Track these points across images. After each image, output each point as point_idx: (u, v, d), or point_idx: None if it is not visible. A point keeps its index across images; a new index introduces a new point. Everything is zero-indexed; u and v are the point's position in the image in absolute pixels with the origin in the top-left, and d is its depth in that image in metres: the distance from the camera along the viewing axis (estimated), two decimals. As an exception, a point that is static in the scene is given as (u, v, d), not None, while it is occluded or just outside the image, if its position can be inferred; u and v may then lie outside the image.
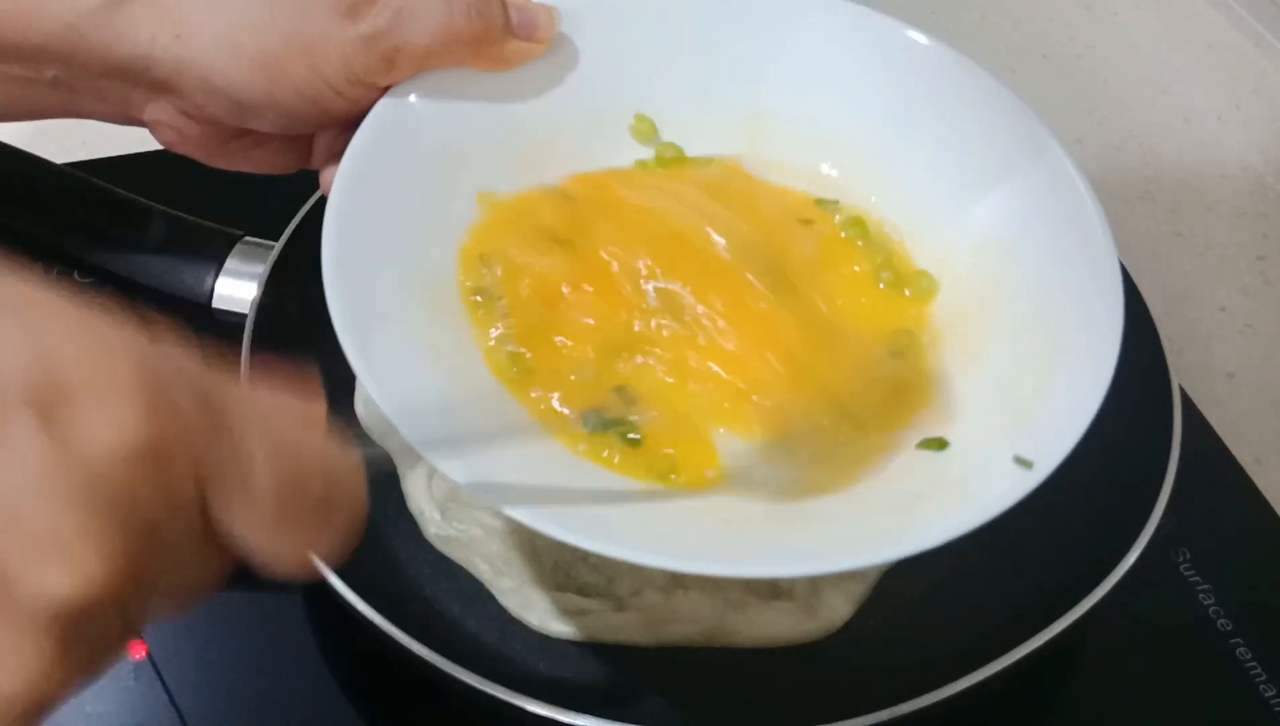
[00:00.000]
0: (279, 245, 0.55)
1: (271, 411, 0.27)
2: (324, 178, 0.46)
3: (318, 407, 0.29)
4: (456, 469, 0.37)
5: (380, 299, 0.42)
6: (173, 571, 0.25)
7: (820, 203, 0.50)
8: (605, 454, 0.42)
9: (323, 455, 0.28)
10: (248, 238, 0.56)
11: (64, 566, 0.23)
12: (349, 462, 0.28)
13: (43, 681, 0.23)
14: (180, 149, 0.47)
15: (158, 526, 0.24)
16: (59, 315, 0.25)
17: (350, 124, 0.45)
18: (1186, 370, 0.60)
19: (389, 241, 0.44)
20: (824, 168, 0.51)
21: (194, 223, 0.57)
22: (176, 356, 0.26)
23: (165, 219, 0.57)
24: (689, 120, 0.51)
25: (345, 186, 0.44)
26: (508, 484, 0.38)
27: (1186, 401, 0.57)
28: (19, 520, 0.23)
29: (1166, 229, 0.73)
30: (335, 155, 0.45)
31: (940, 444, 0.43)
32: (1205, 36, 0.83)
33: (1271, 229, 0.73)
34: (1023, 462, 0.39)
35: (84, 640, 0.23)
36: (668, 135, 0.51)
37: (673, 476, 0.42)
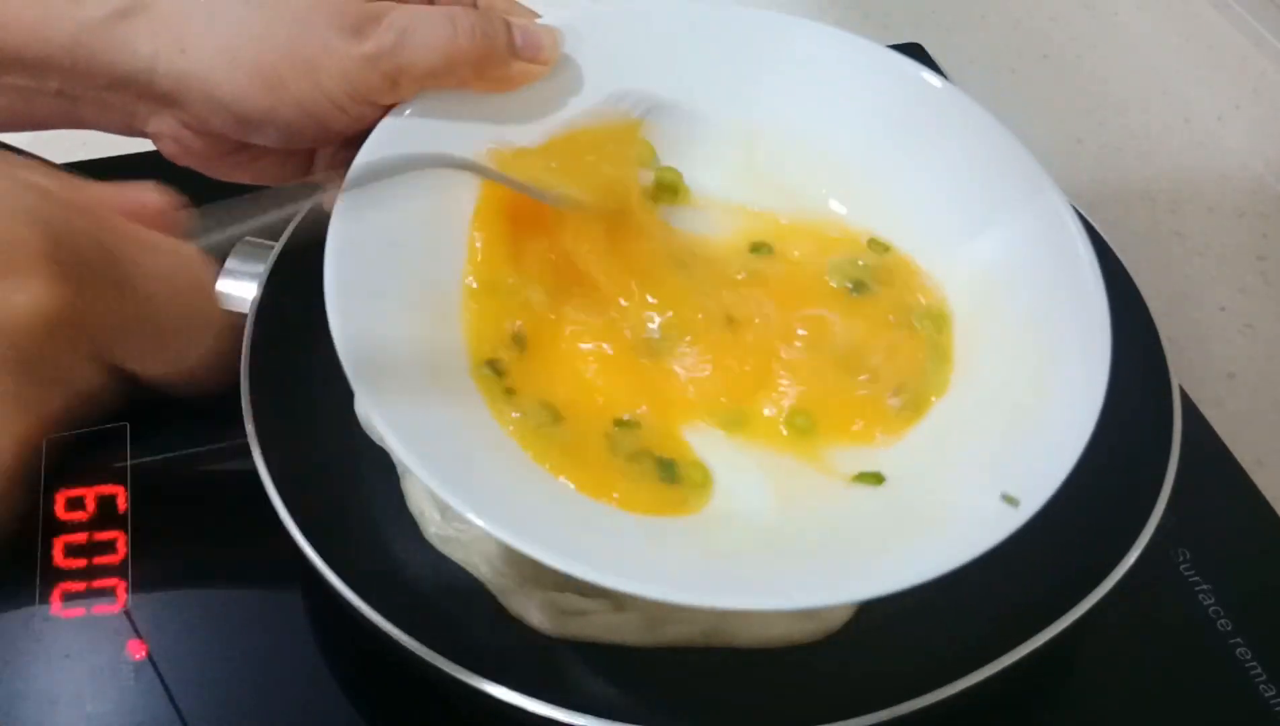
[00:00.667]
0: (279, 245, 0.55)
1: (156, 251, 0.31)
2: (325, 198, 0.46)
3: (173, 198, 0.33)
4: (451, 493, 0.38)
5: (382, 319, 0.42)
6: (79, 405, 0.29)
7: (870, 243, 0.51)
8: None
9: (195, 269, 0.32)
10: (248, 238, 0.56)
11: None
12: (208, 271, 0.33)
13: None
14: (182, 161, 0.47)
15: (72, 377, 0.28)
16: None
17: (351, 140, 0.45)
18: (1186, 370, 0.60)
19: (392, 261, 0.44)
20: (832, 204, 0.52)
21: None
22: (75, 214, 0.29)
23: (165, 219, 0.57)
24: (687, 143, 0.51)
25: (348, 208, 0.43)
26: (494, 502, 0.39)
27: (1186, 401, 0.57)
28: None
29: (1166, 229, 0.73)
30: (335, 169, 0.45)
31: (877, 479, 0.44)
32: (1205, 36, 0.83)
33: (1271, 229, 0.73)
34: (1009, 500, 0.40)
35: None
36: (665, 157, 0.51)
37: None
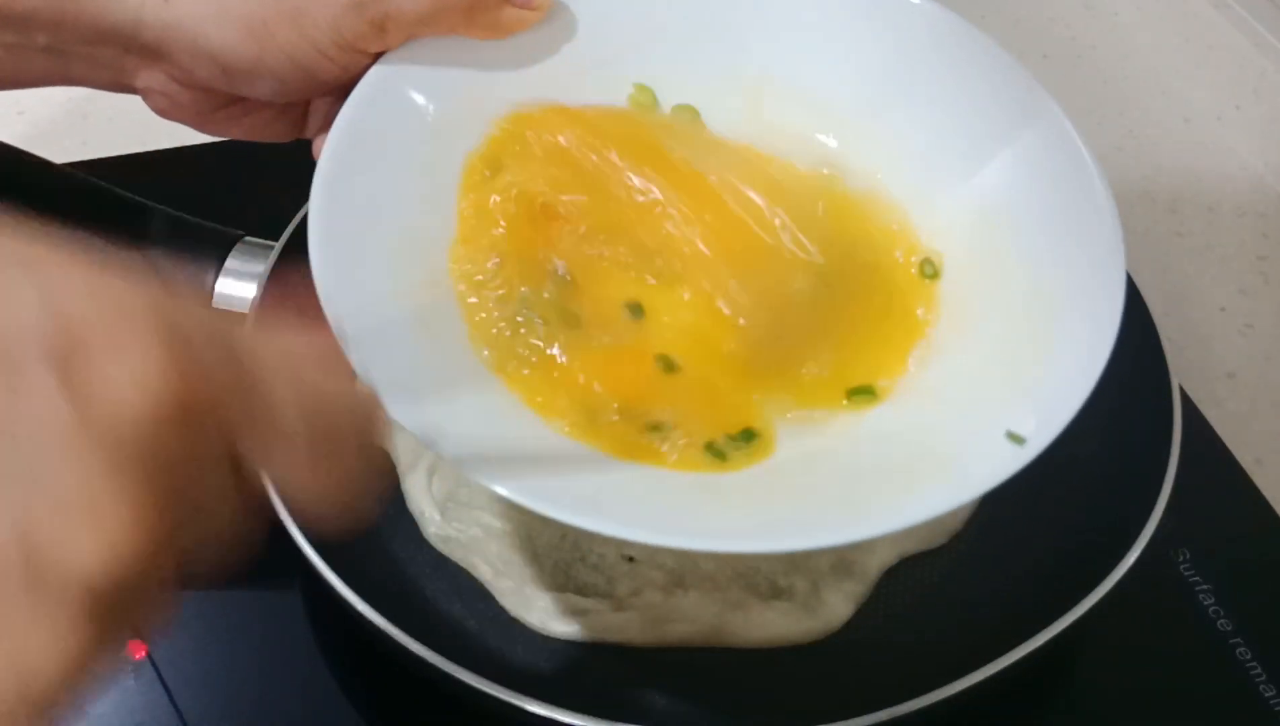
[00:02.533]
0: (279, 245, 0.55)
1: (291, 353, 0.26)
2: (316, 145, 0.46)
3: (332, 346, 0.29)
4: (439, 440, 0.37)
5: (366, 269, 0.42)
6: (203, 530, 0.24)
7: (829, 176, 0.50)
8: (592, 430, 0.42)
9: (344, 392, 0.27)
10: (248, 238, 0.56)
11: (95, 532, 0.21)
12: (369, 398, 0.29)
13: (77, 658, 0.22)
14: (172, 116, 0.47)
15: (188, 483, 0.23)
16: (73, 272, 0.23)
17: (342, 91, 0.45)
18: (1186, 370, 0.60)
19: (378, 210, 0.43)
20: (821, 137, 0.50)
21: (194, 223, 0.57)
22: (193, 308, 0.25)
23: (165, 219, 0.57)
24: (688, 88, 0.50)
25: (335, 153, 0.43)
26: (487, 457, 0.38)
27: (1186, 401, 0.57)
28: (43, 485, 0.21)
29: (1166, 229, 0.73)
30: (328, 122, 0.45)
31: (870, 392, 0.43)
32: (1205, 36, 0.83)
33: (1271, 229, 0.73)
34: (1015, 438, 0.39)
35: (117, 610, 0.22)
36: (667, 103, 0.51)
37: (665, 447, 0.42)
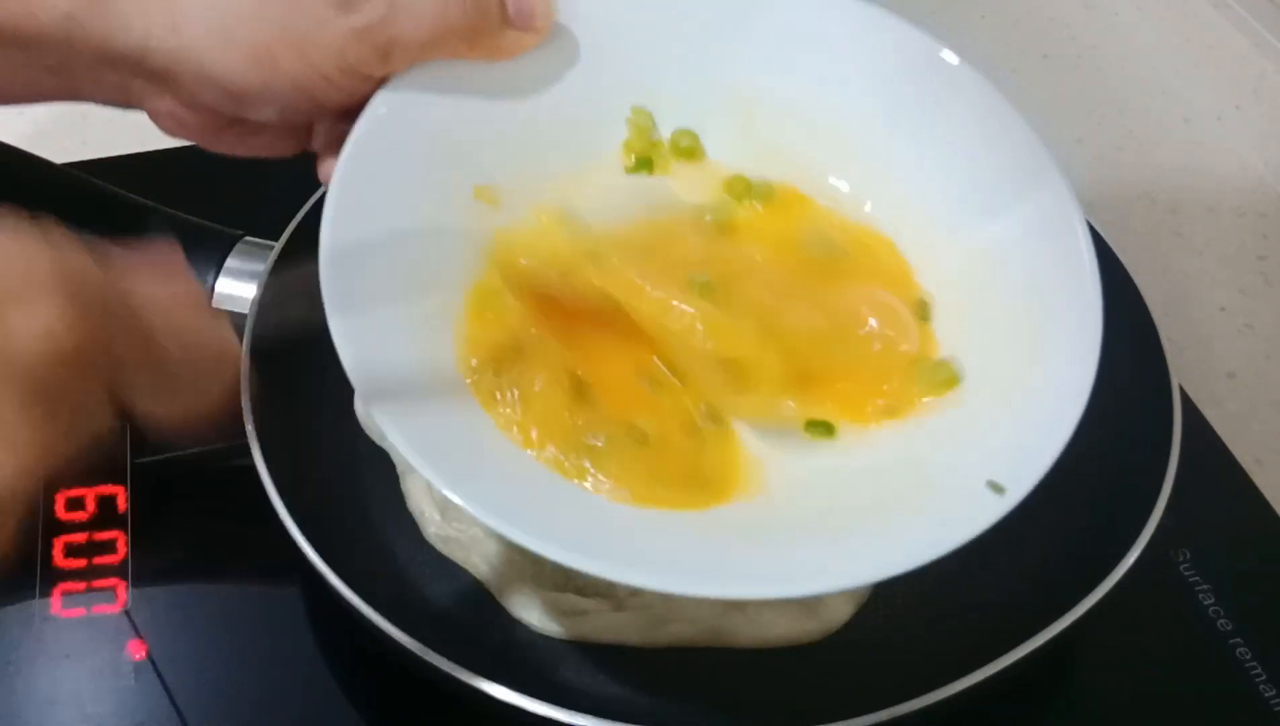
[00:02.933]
0: (279, 245, 0.55)
1: (164, 298, 0.31)
2: (322, 171, 0.46)
3: (193, 286, 0.34)
4: (444, 479, 0.38)
5: (375, 295, 0.42)
6: (74, 444, 0.28)
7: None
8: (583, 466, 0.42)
9: (204, 328, 0.32)
10: (248, 238, 0.56)
11: (3, 451, 0.25)
12: (225, 335, 0.33)
13: None
14: (180, 135, 0.48)
15: (71, 410, 0.27)
16: None
17: (347, 113, 0.45)
18: (1186, 370, 0.60)
19: (387, 237, 0.44)
20: (832, 180, 0.51)
21: (194, 223, 0.57)
22: (82, 259, 0.29)
23: (165, 219, 0.57)
24: (690, 113, 0.51)
25: (343, 181, 0.43)
26: (488, 494, 0.39)
27: (1186, 401, 0.57)
28: None
29: (1166, 229, 0.73)
30: (333, 142, 0.45)
31: (828, 429, 0.44)
32: (1205, 36, 0.83)
33: (1271, 229, 0.73)
34: (996, 488, 0.40)
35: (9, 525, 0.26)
36: (667, 127, 0.51)
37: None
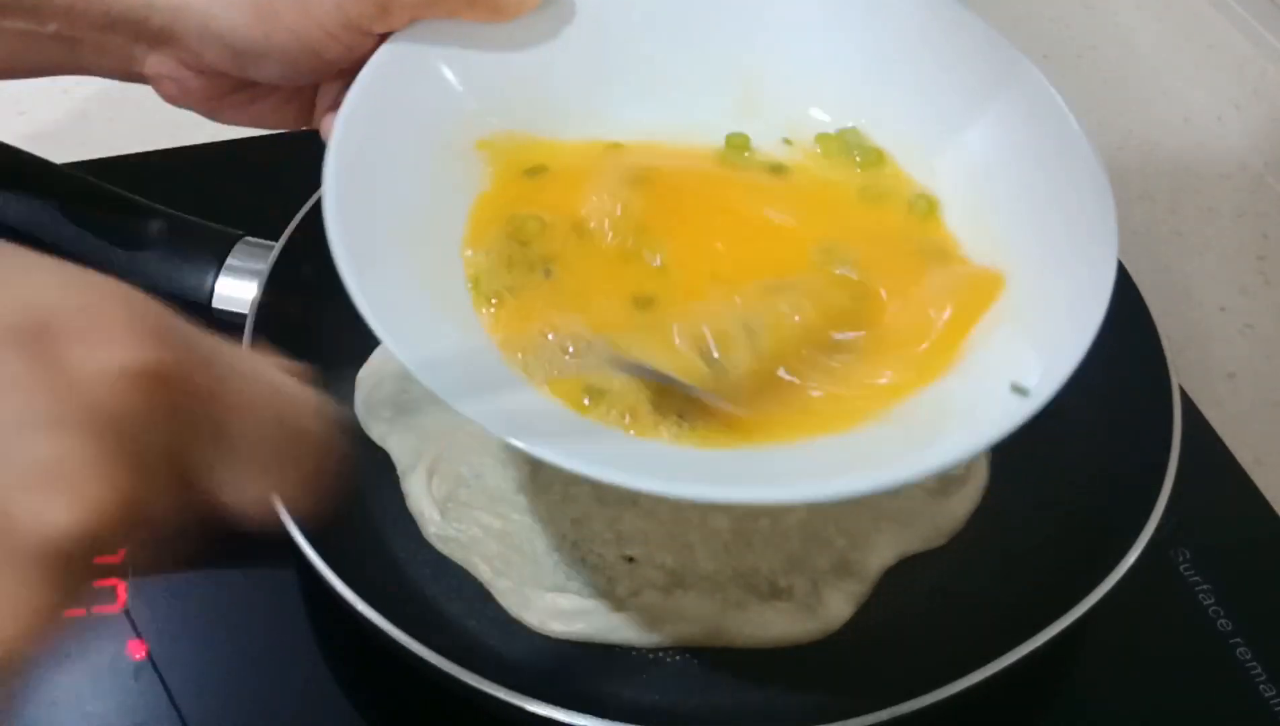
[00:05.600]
0: (279, 245, 0.55)
1: (254, 358, 0.28)
2: (323, 126, 0.47)
3: (293, 365, 0.30)
4: (458, 400, 0.37)
5: (381, 241, 0.42)
6: (157, 511, 0.25)
7: (834, 135, 0.51)
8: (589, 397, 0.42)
9: (297, 401, 0.29)
10: (248, 238, 0.56)
11: (65, 497, 0.22)
12: (322, 411, 0.29)
13: (38, 620, 0.23)
14: (182, 102, 0.48)
15: (149, 457, 0.24)
16: (43, 267, 0.25)
17: (349, 74, 0.45)
18: (1186, 370, 0.60)
19: (389, 187, 0.44)
20: (814, 112, 0.51)
21: (194, 223, 0.57)
22: (162, 307, 0.26)
23: (165, 219, 0.57)
24: (686, 72, 0.51)
25: (345, 132, 0.43)
26: (505, 414, 0.38)
27: (1186, 401, 0.57)
28: (14, 453, 0.22)
29: (1166, 229, 0.73)
30: (336, 107, 0.45)
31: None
32: (1205, 36, 0.83)
33: (1271, 229, 0.73)
34: (1019, 390, 0.39)
35: (78, 574, 0.23)
36: (666, 86, 0.51)
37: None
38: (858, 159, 0.50)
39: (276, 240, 0.55)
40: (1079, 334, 0.40)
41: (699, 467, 0.40)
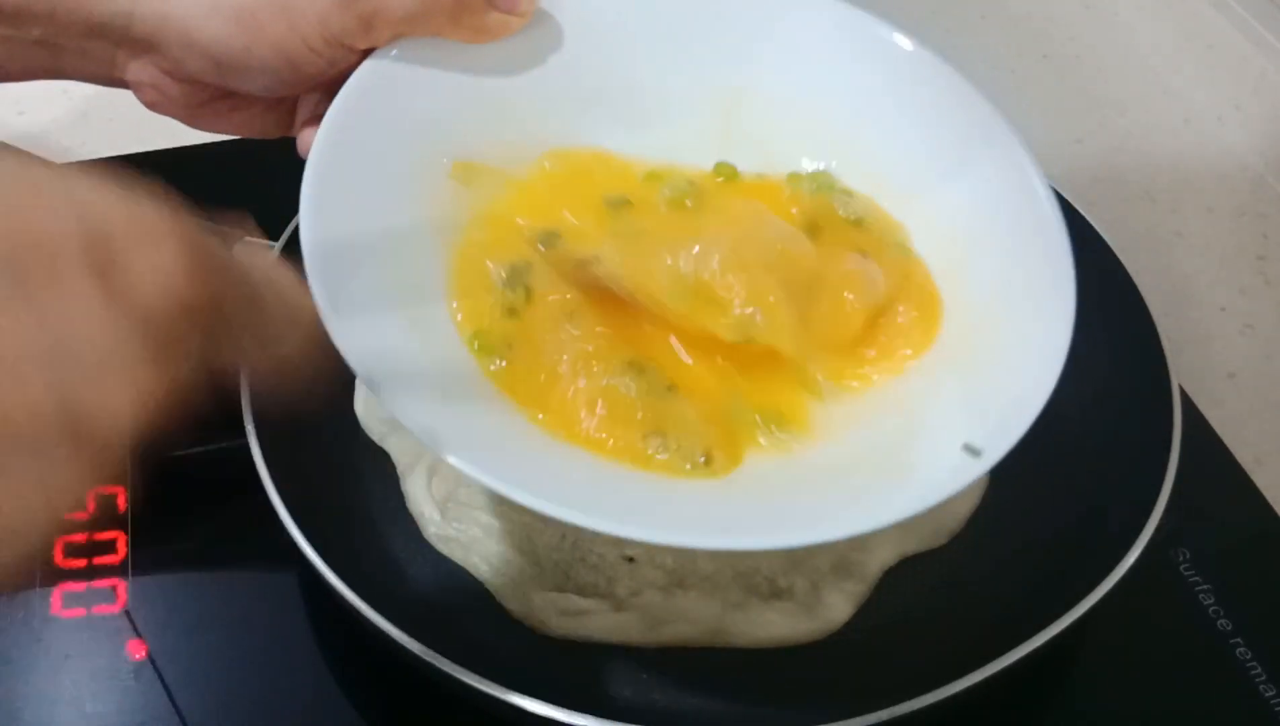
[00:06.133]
0: (279, 245, 0.55)
1: (275, 270, 0.34)
2: (302, 140, 0.47)
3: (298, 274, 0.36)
4: (428, 434, 0.38)
5: (355, 264, 0.42)
6: (193, 388, 0.29)
7: (807, 175, 0.51)
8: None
9: (290, 281, 0.34)
10: (248, 238, 0.56)
11: (126, 389, 0.27)
12: (309, 300, 0.36)
13: (93, 485, 0.27)
14: (162, 110, 0.48)
15: (189, 345, 0.28)
16: (104, 188, 0.28)
17: (330, 87, 0.45)
18: (1186, 370, 0.60)
19: (365, 206, 0.44)
20: (790, 151, 0.51)
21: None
22: (202, 224, 0.31)
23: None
24: (668, 101, 0.51)
25: (323, 150, 0.43)
26: (473, 447, 0.38)
27: (1186, 401, 0.57)
28: (87, 362, 0.26)
29: (1166, 229, 0.73)
30: (315, 118, 0.45)
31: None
32: (1205, 36, 0.83)
33: (1271, 229, 0.73)
34: (972, 451, 0.40)
35: (124, 452, 0.27)
36: (647, 112, 0.51)
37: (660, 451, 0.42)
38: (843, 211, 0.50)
39: (276, 240, 0.55)
40: (1032, 398, 0.40)
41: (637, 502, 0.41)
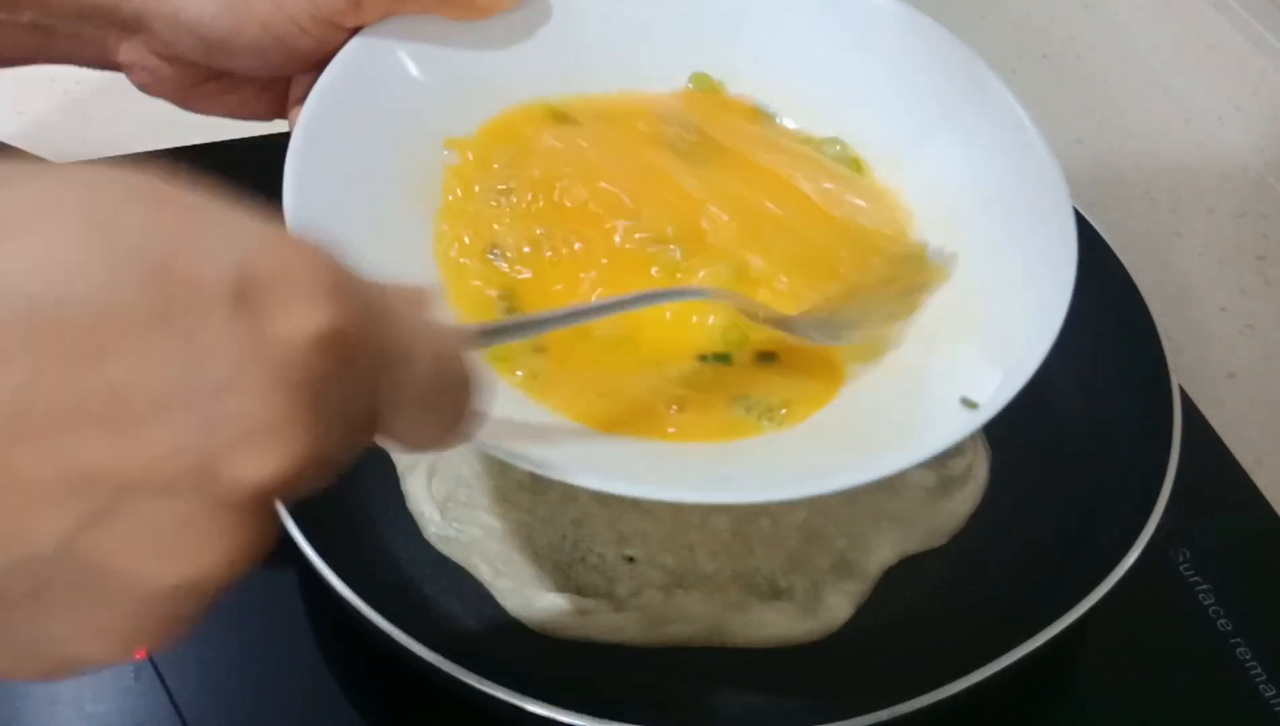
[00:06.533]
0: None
1: (424, 323, 0.30)
2: (291, 116, 0.47)
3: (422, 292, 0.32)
4: None
5: (340, 245, 0.42)
6: (337, 452, 0.27)
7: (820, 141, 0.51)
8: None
9: (447, 339, 0.31)
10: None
11: (265, 453, 0.24)
12: (470, 363, 0.31)
13: (240, 554, 0.25)
14: (154, 92, 0.48)
15: (333, 407, 0.26)
16: (254, 227, 0.26)
17: (320, 67, 0.45)
18: (1186, 370, 0.60)
19: (352, 181, 0.44)
20: (785, 122, 0.52)
21: (194, 223, 0.57)
22: (350, 268, 0.27)
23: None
24: (659, 79, 0.51)
25: (310, 124, 0.43)
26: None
27: (1186, 401, 0.57)
28: (231, 414, 0.24)
29: (1166, 229, 0.73)
30: (306, 97, 0.45)
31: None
32: (1205, 36, 0.83)
33: (1271, 229, 0.73)
34: (969, 404, 0.40)
35: (268, 518, 0.25)
36: (640, 91, 0.51)
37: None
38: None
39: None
40: (1028, 355, 0.40)
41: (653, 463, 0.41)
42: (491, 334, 0.36)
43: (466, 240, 0.45)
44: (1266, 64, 0.78)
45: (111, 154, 0.67)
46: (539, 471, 0.37)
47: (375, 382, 0.28)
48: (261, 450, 0.24)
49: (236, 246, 0.25)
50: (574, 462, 0.38)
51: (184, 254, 0.24)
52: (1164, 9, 0.86)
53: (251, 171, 0.49)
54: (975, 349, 0.43)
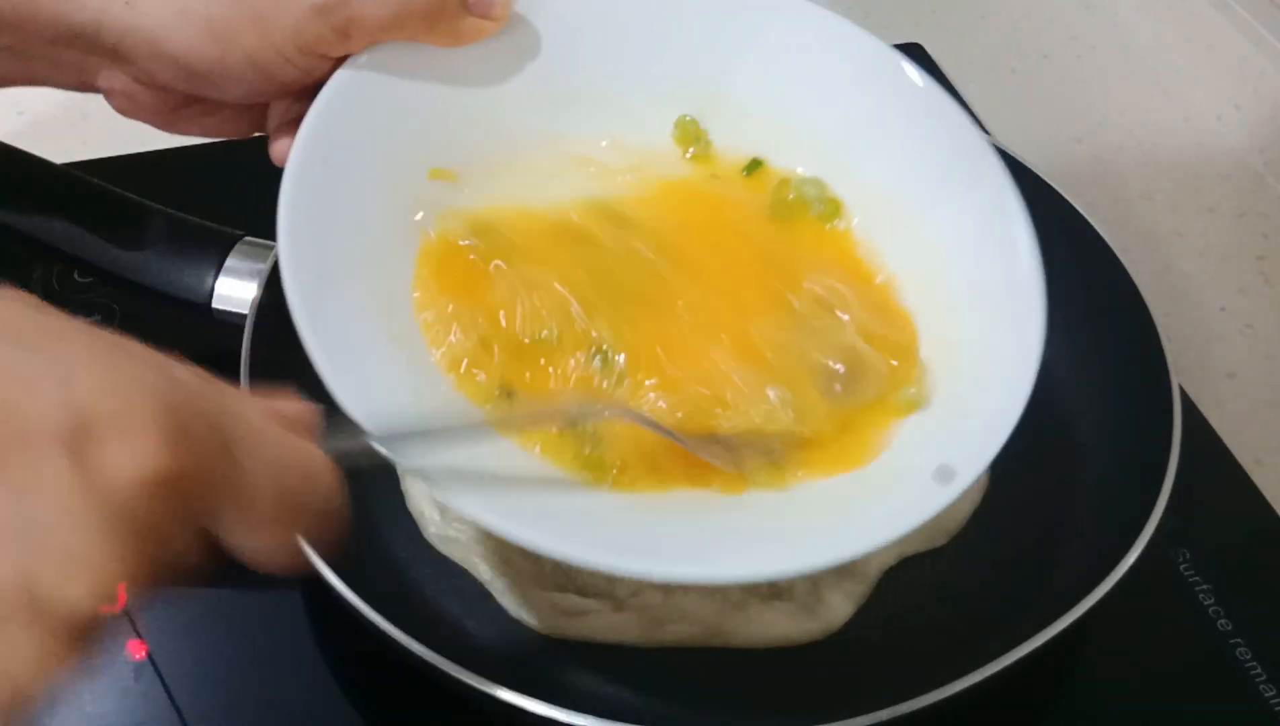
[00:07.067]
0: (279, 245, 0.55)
1: (267, 427, 0.31)
2: (275, 150, 0.46)
3: (308, 409, 0.33)
4: (403, 456, 0.38)
5: (334, 275, 0.42)
6: (169, 570, 0.28)
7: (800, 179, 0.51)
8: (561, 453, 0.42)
9: (308, 462, 0.32)
10: (248, 238, 0.56)
11: (87, 581, 0.26)
12: (328, 468, 0.32)
13: (54, 669, 0.26)
14: (134, 116, 0.47)
15: (169, 541, 0.27)
16: (83, 351, 0.27)
17: (303, 93, 0.45)
18: (1186, 370, 0.60)
19: (343, 218, 0.44)
20: (779, 160, 0.51)
21: (194, 223, 0.57)
22: (188, 384, 0.29)
23: (165, 219, 0.57)
24: (647, 106, 0.51)
25: (301, 160, 0.43)
26: (458, 475, 0.38)
27: (1186, 401, 0.57)
28: (51, 545, 0.25)
29: (1166, 229, 0.73)
30: (288, 123, 0.45)
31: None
32: (1205, 36, 0.83)
33: (1271, 229, 0.73)
34: (944, 474, 0.40)
35: (89, 633, 0.26)
36: (628, 116, 0.51)
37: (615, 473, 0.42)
38: (819, 208, 0.50)
39: (274, 240, 0.55)
40: (998, 426, 0.41)
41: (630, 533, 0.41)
42: (360, 451, 0.36)
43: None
44: (1266, 64, 0.78)
45: (111, 154, 0.67)
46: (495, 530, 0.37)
47: (213, 512, 0.29)
48: (79, 577, 0.25)
49: (74, 384, 0.26)
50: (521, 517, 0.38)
51: (19, 390, 0.26)
52: (1164, 9, 0.86)
53: (247, 171, 0.49)
54: (948, 421, 0.43)
